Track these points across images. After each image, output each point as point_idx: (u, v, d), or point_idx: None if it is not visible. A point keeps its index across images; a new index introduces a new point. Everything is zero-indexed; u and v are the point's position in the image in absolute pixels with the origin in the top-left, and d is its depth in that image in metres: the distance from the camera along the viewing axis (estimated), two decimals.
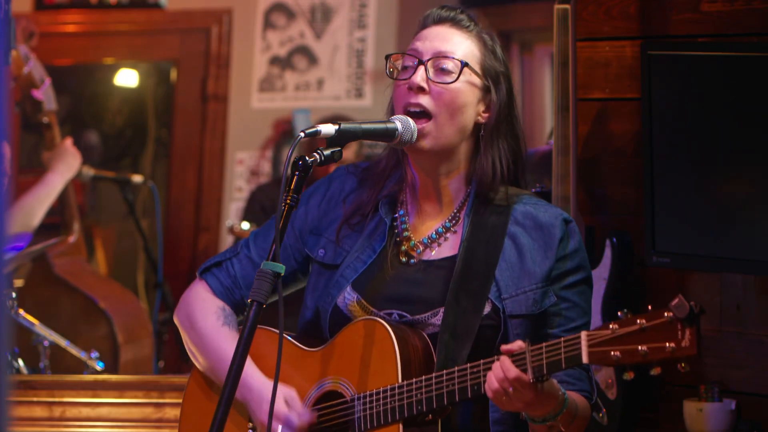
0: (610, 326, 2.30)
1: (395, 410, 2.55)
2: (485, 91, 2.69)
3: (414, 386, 2.54)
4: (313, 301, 2.74)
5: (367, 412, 2.59)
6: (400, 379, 2.56)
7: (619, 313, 2.32)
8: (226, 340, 2.75)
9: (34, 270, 4.95)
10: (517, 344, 2.41)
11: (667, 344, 2.26)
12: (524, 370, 2.38)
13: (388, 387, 2.56)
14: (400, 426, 2.56)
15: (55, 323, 4.58)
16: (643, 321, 2.28)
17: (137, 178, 5.73)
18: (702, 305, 2.26)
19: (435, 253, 2.70)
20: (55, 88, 5.28)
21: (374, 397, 2.58)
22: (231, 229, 5.66)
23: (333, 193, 2.82)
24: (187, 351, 2.81)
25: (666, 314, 2.26)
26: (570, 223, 2.68)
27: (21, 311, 4.34)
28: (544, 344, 2.38)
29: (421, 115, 2.66)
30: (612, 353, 2.30)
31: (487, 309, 2.61)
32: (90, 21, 6.40)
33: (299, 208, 2.80)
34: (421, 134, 2.66)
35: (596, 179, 3.42)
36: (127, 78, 6.40)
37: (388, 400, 2.56)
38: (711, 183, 3.14)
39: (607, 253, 3.34)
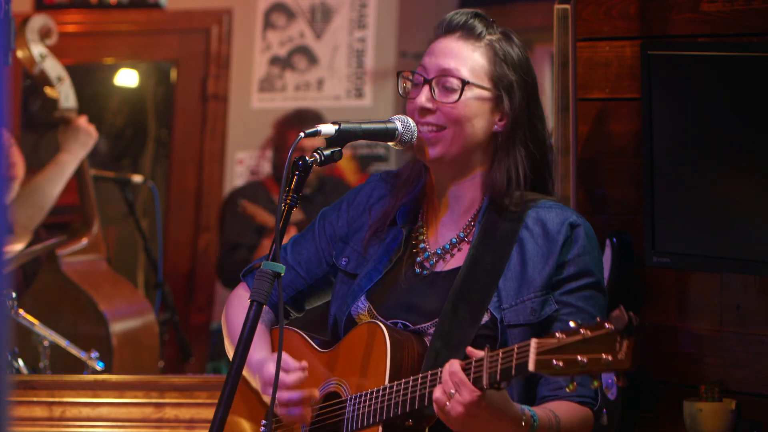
0: (557, 335, 2.26)
1: (375, 412, 2.56)
2: (497, 101, 2.67)
3: (394, 389, 2.54)
4: (334, 309, 2.77)
5: (355, 413, 2.60)
6: (387, 383, 2.56)
7: (571, 323, 2.28)
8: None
9: (45, 268, 4.96)
10: (482, 352, 2.39)
11: (604, 356, 2.20)
12: (479, 377, 2.36)
13: (375, 389, 2.57)
14: (380, 429, 2.56)
15: (57, 321, 4.58)
16: (588, 332, 2.22)
17: (137, 178, 5.73)
18: (641, 320, 2.22)
19: (446, 264, 2.71)
20: None
21: (362, 399, 2.60)
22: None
23: (361, 199, 2.84)
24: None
25: (607, 325, 2.21)
26: (576, 228, 2.65)
27: (21, 311, 4.34)
28: (501, 350, 2.34)
29: (435, 128, 2.67)
30: (554, 362, 2.25)
31: (485, 319, 2.60)
32: (90, 21, 6.40)
33: (332, 213, 2.84)
34: (430, 142, 2.66)
35: (596, 179, 3.42)
36: (127, 78, 6.40)
37: (372, 402, 2.57)
38: (711, 183, 3.14)
39: (607, 253, 3.34)
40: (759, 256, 3.05)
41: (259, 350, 2.75)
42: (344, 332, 2.71)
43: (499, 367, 2.33)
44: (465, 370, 2.39)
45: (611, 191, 3.40)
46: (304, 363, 2.66)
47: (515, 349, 2.32)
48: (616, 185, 3.39)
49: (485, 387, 2.35)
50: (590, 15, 3.42)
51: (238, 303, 2.86)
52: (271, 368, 2.64)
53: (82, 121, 4.98)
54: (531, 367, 2.27)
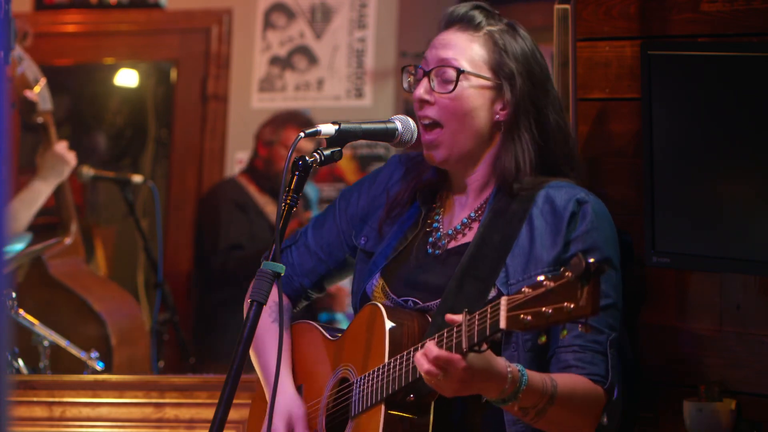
0: (524, 290, 2.25)
1: (376, 391, 2.57)
2: (498, 89, 2.68)
3: (391, 366, 2.55)
4: (354, 288, 2.79)
5: (360, 394, 2.62)
6: (386, 360, 2.58)
7: (538, 278, 2.25)
8: (268, 338, 2.80)
9: (31, 271, 4.94)
10: (460, 315, 2.39)
11: (566, 304, 2.18)
12: (460, 342, 2.35)
13: (375, 369, 2.59)
14: (382, 406, 2.57)
15: (51, 325, 4.58)
16: (551, 283, 2.21)
17: (137, 178, 5.73)
18: (603, 263, 2.18)
19: (456, 243, 2.72)
20: (55, 88, 5.27)
21: (365, 379, 2.61)
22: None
23: (381, 180, 2.86)
24: None
25: (567, 274, 2.19)
26: (584, 204, 2.66)
27: (21, 311, 4.34)
28: (477, 312, 2.33)
29: (434, 125, 2.68)
30: (522, 317, 2.23)
31: (492, 294, 2.60)
32: (90, 21, 6.40)
33: (353, 193, 2.86)
34: (434, 145, 2.67)
35: (596, 179, 3.41)
36: (127, 78, 6.39)
37: (373, 381, 2.59)
38: (711, 183, 3.14)
39: None
40: (759, 256, 3.05)
41: (284, 379, 2.78)
42: (360, 309, 2.74)
43: (476, 329, 2.32)
44: (447, 337, 2.38)
45: (611, 191, 3.40)
46: None
47: (488, 310, 2.31)
48: (616, 185, 3.39)
49: (465, 350, 2.34)
50: (590, 15, 3.41)
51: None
52: (280, 427, 2.71)
53: (61, 147, 4.95)
54: (502, 324, 2.26)
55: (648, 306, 3.35)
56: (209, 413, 2.55)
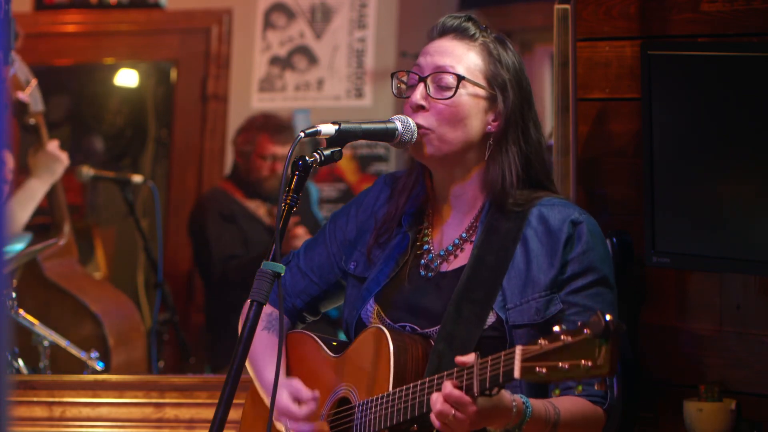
0: (540, 342, 2.24)
1: (381, 419, 2.56)
2: (491, 100, 2.67)
3: (396, 396, 2.54)
4: (346, 314, 2.79)
5: (363, 419, 2.61)
6: (391, 388, 2.56)
7: (555, 328, 2.25)
8: (258, 344, 2.80)
9: (25, 273, 4.93)
10: (471, 356, 2.39)
11: (583, 362, 2.18)
12: (471, 385, 2.36)
13: (380, 395, 2.57)
14: None
15: (48, 326, 4.58)
16: (568, 337, 2.20)
17: (137, 178, 5.73)
18: (622, 323, 2.19)
19: (449, 265, 2.71)
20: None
21: (369, 405, 2.60)
22: None
23: (368, 203, 2.85)
24: None
25: (585, 331, 2.19)
26: (579, 225, 2.65)
27: (21, 311, 4.34)
28: (490, 357, 2.33)
29: (425, 129, 2.67)
30: (538, 369, 2.24)
31: (491, 320, 2.59)
32: (90, 21, 6.39)
33: (342, 217, 2.85)
34: (424, 141, 2.66)
35: (596, 179, 3.41)
36: (127, 78, 6.39)
37: (378, 408, 2.58)
38: (711, 183, 3.14)
39: None
40: (759, 256, 3.05)
41: (265, 371, 2.78)
42: (355, 336, 2.72)
43: (488, 374, 2.33)
44: (458, 377, 2.39)
45: (611, 191, 3.40)
46: (317, 393, 2.67)
47: (502, 357, 2.31)
48: (616, 185, 3.39)
49: (476, 394, 2.35)
50: (590, 15, 3.41)
51: None
52: (284, 397, 2.67)
53: (53, 146, 4.94)
54: (516, 374, 2.26)
55: (648, 306, 3.35)
56: (209, 413, 2.55)
